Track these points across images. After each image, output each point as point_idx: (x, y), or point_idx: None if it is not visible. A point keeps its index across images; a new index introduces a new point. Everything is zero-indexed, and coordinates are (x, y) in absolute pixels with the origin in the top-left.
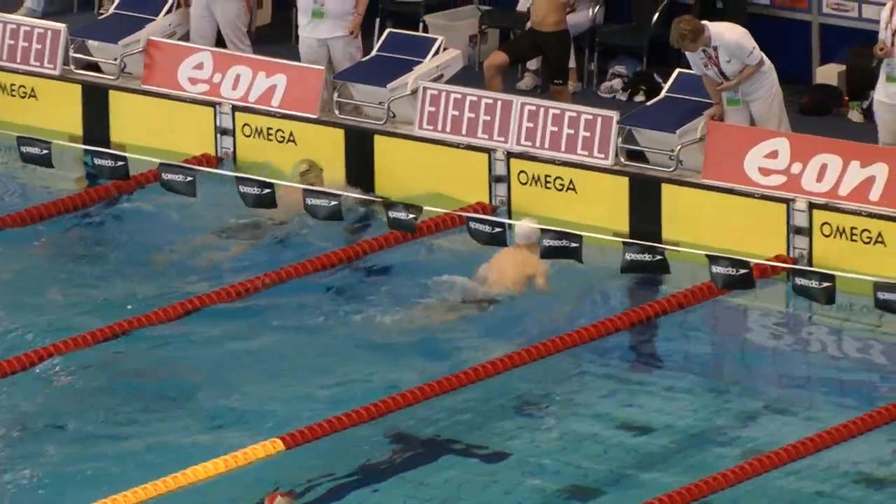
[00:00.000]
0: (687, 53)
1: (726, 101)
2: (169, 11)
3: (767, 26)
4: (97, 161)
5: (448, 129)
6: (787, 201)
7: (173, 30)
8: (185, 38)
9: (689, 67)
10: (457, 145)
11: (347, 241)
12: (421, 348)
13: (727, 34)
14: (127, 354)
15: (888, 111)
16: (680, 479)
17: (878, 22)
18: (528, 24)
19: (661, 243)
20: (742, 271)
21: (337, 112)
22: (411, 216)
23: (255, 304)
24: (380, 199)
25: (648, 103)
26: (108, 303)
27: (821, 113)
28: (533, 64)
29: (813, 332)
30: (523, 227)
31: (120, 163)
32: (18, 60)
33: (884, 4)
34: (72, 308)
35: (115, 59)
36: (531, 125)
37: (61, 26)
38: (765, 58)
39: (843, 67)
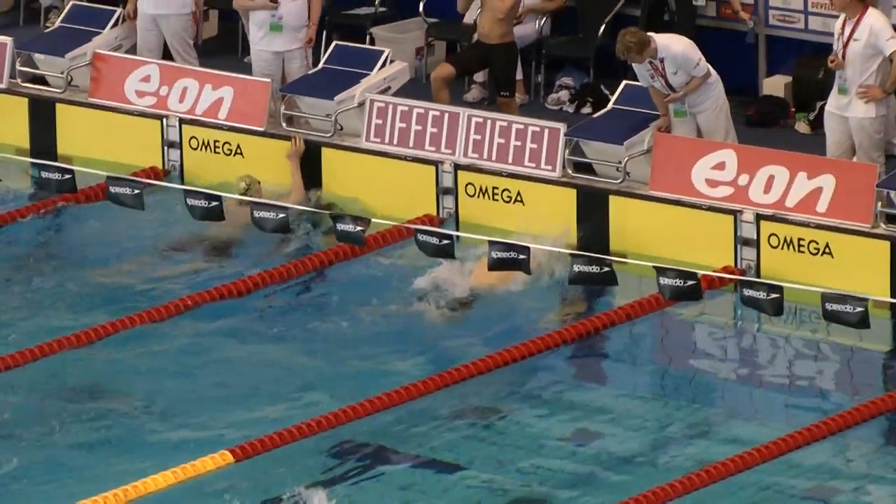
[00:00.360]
0: (634, 65)
1: (673, 113)
2: (115, 24)
3: (714, 38)
4: (44, 174)
5: (395, 142)
6: (734, 213)
7: (120, 43)
8: (132, 50)
9: (636, 79)
10: (404, 157)
11: (295, 254)
12: (371, 360)
13: (673, 46)
14: (74, 368)
15: (838, 122)
16: (628, 490)
17: (824, 33)
18: (475, 37)
19: (608, 255)
20: (690, 283)
21: (284, 125)
22: (359, 228)
23: (202, 317)
24: (327, 212)
25: (595, 115)
26: (55, 316)
27: (768, 124)
28: (480, 76)
29: (761, 343)
30: None
31: (67, 176)
32: None
33: (829, 16)
34: (17, 322)
35: (62, 73)
36: (478, 137)
37: (7, 40)
38: (711, 69)
39: (789, 79)
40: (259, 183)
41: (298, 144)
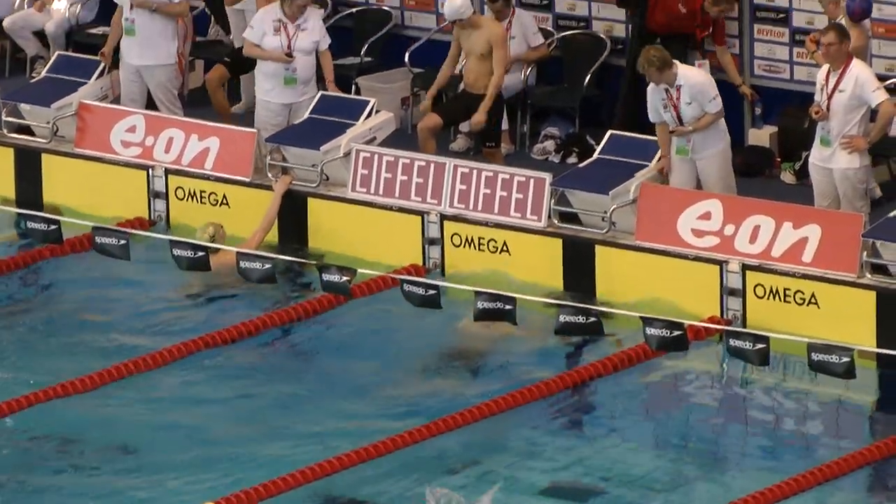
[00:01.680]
0: (648, 93)
1: (675, 150)
2: (101, 75)
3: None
4: (30, 224)
5: (381, 192)
6: (720, 263)
7: (105, 93)
8: (117, 101)
9: (622, 129)
10: (390, 208)
11: (281, 303)
12: (357, 410)
13: (694, 76)
14: (59, 418)
15: (822, 174)
16: None
17: (809, 83)
18: (461, 87)
19: (595, 305)
20: (676, 333)
21: (270, 175)
22: (345, 279)
23: (186, 367)
24: (313, 262)
25: (581, 165)
26: (42, 366)
27: (753, 174)
28: (465, 126)
29: (747, 394)
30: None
31: (53, 226)
32: None
33: (815, 66)
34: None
35: (48, 123)
36: (464, 187)
37: None
38: (722, 114)
39: (775, 129)
40: (222, 227)
41: (291, 176)
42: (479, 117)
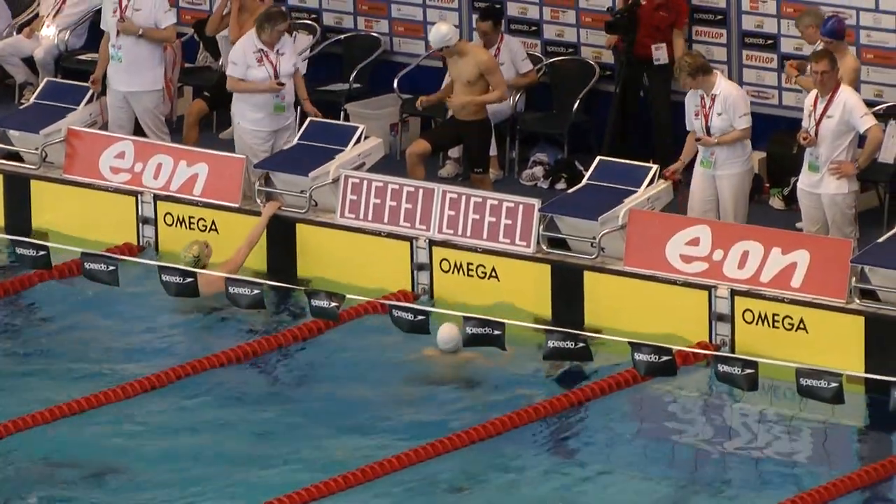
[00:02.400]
0: (686, 99)
1: (700, 161)
2: (90, 101)
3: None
4: (19, 251)
5: (370, 218)
6: (708, 288)
7: (94, 119)
8: (106, 127)
9: (610, 155)
10: (378, 233)
11: (270, 329)
12: (345, 437)
13: (731, 88)
14: (45, 444)
15: (810, 199)
16: None
17: (797, 109)
18: (449, 113)
19: (583, 330)
20: (664, 358)
21: (259, 201)
22: (334, 304)
23: (176, 391)
24: (302, 288)
25: (570, 191)
26: (31, 391)
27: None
28: (454, 152)
29: (735, 419)
30: (445, 333)
31: (42, 252)
32: None
33: (801, 92)
34: None
35: (37, 149)
36: (453, 213)
37: None
38: (749, 134)
39: (763, 154)
40: (208, 245)
41: (280, 202)
42: (462, 99)
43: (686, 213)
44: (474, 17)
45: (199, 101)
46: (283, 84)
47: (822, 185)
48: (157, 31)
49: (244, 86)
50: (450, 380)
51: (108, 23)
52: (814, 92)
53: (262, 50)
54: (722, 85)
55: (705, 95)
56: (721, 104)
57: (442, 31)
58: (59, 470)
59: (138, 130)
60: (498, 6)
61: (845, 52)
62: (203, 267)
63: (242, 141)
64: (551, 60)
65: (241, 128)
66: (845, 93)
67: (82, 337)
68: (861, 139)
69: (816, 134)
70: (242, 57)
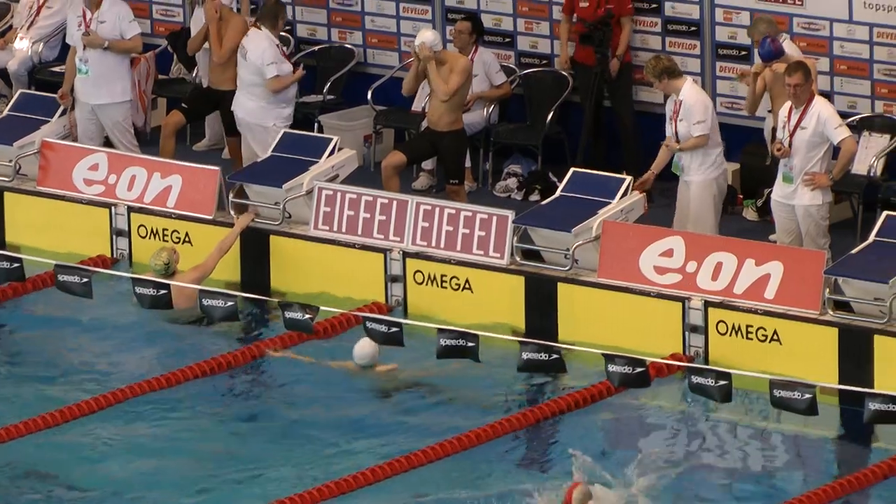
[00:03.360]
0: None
1: (672, 166)
2: (63, 113)
3: (661, 124)
4: None
5: (344, 230)
6: (682, 300)
7: (68, 131)
8: (76, 141)
9: (584, 166)
10: (352, 245)
11: (243, 341)
12: (319, 447)
13: (690, 94)
14: (15, 456)
15: (784, 210)
16: None
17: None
18: (424, 124)
19: (557, 342)
20: (638, 370)
21: (232, 213)
22: (308, 316)
23: (146, 404)
24: (275, 300)
25: (543, 202)
26: (3, 403)
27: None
28: (428, 164)
29: (709, 431)
30: (362, 350)
31: (15, 265)
32: None
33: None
34: None
35: (10, 161)
36: (426, 225)
37: None
38: (716, 142)
39: (737, 166)
40: (176, 251)
41: (253, 214)
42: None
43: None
44: (448, 28)
45: (176, 113)
46: (304, 70)
47: (796, 197)
48: (123, 42)
49: (285, 82)
50: (420, 392)
51: (74, 37)
52: (788, 103)
53: (279, 45)
54: (686, 91)
55: (676, 99)
56: (682, 110)
57: (427, 35)
58: (23, 484)
59: (108, 143)
60: (476, 16)
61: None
62: (172, 273)
63: (268, 144)
64: (525, 72)
65: (273, 129)
66: (819, 104)
67: (55, 350)
68: (835, 150)
69: (790, 145)
70: (276, 55)
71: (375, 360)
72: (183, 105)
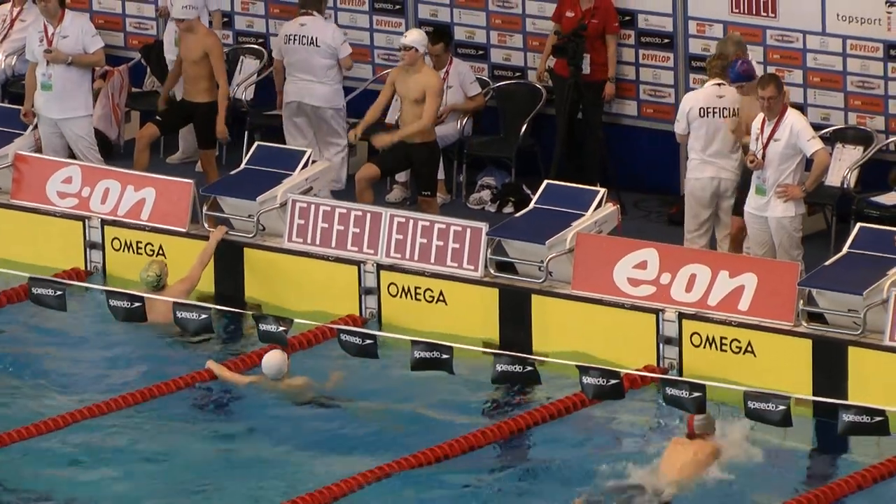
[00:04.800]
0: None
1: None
2: (37, 126)
3: (635, 137)
4: None
5: (318, 242)
6: (656, 311)
7: (40, 144)
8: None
9: (558, 178)
10: (326, 258)
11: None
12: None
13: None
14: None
15: (757, 222)
16: None
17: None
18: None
19: (531, 354)
20: (612, 382)
21: (206, 225)
22: (282, 329)
23: (125, 418)
24: (250, 312)
25: (517, 214)
26: None
27: None
28: (401, 176)
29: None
30: (270, 361)
31: None
32: None
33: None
34: None
35: None
36: (400, 237)
37: None
38: None
39: None
40: (165, 265)
41: (224, 229)
42: (384, 139)
43: None
44: None
45: (151, 126)
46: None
47: (769, 209)
48: (86, 57)
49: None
50: (394, 404)
51: (35, 52)
52: (761, 115)
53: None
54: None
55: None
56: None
57: (414, 34)
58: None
59: (73, 157)
60: (446, 28)
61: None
62: (163, 287)
63: (334, 129)
64: (498, 84)
65: (343, 111)
66: (792, 116)
67: (28, 363)
68: (808, 162)
69: (763, 157)
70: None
71: (283, 373)
72: (157, 118)
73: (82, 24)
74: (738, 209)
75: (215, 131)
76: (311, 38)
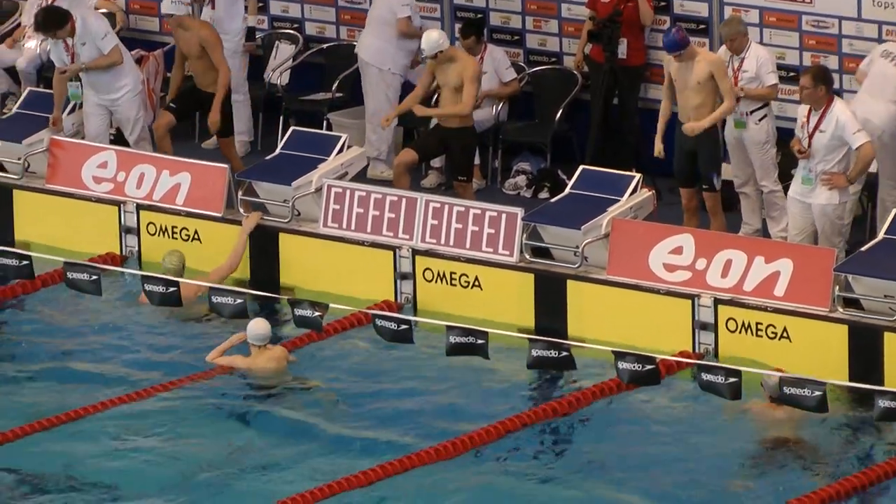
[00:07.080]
0: None
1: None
2: (73, 111)
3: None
4: (1, 260)
5: (353, 227)
6: (692, 297)
7: (77, 129)
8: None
9: (593, 164)
10: (362, 243)
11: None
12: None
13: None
14: (25, 457)
15: (801, 208)
16: None
17: (780, 118)
18: (434, 121)
19: (566, 339)
20: (648, 367)
21: (241, 210)
22: (317, 314)
23: (160, 403)
24: (285, 297)
25: (553, 200)
26: (12, 402)
27: (725, 209)
28: (437, 162)
29: (719, 428)
30: (255, 328)
31: (24, 262)
32: None
33: (785, 101)
34: None
35: (19, 159)
36: (436, 222)
37: None
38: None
39: None
40: (183, 255)
41: (259, 214)
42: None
43: None
44: (457, 26)
45: (166, 113)
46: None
47: (814, 195)
48: (102, 59)
49: (413, 30)
50: (429, 389)
51: (63, 57)
52: (807, 105)
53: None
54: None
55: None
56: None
57: (433, 36)
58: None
59: (115, 141)
60: (480, 17)
61: (695, 52)
62: (181, 275)
63: (377, 92)
64: (534, 70)
65: (388, 74)
66: (838, 109)
67: (64, 348)
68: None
69: (809, 146)
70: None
71: (267, 340)
72: (171, 104)
73: (90, 28)
74: (690, 182)
75: (228, 119)
76: None
